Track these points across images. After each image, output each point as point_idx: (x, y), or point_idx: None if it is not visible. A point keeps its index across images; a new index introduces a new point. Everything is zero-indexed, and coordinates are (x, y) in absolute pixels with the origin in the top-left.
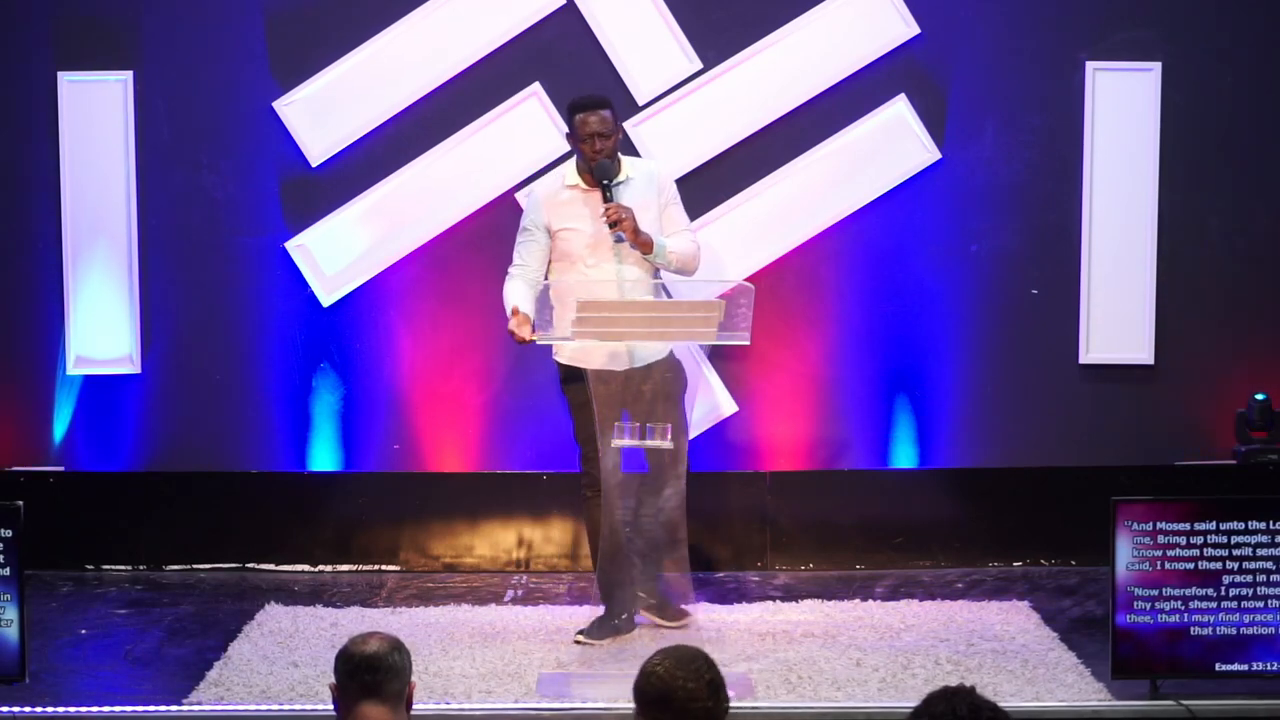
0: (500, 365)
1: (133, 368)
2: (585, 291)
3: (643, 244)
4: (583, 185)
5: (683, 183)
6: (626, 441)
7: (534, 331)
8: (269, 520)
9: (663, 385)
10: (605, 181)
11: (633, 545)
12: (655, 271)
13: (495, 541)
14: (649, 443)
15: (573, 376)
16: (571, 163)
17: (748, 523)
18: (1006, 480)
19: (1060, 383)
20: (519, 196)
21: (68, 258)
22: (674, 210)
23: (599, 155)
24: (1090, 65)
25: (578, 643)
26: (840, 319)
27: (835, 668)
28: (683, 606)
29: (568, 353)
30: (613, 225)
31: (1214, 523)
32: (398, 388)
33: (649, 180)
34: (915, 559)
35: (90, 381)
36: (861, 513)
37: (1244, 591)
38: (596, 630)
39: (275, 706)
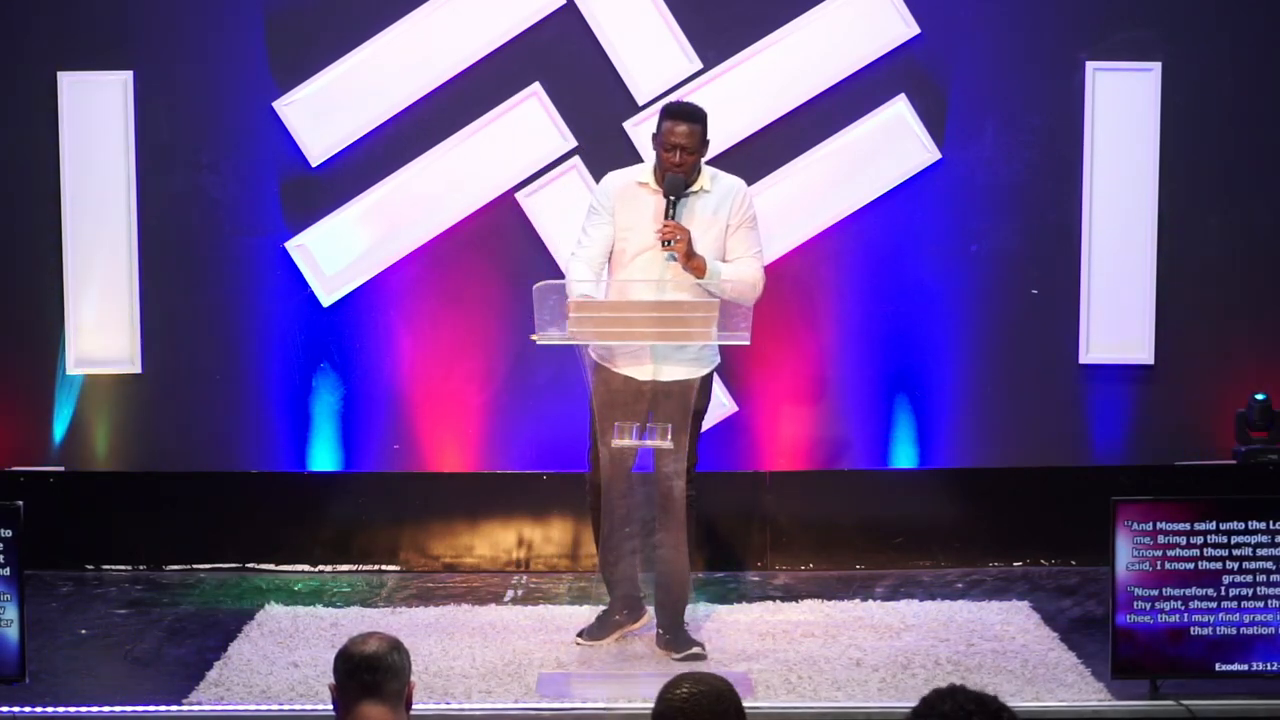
0: (500, 365)
1: (133, 368)
2: (623, 293)
3: (695, 267)
4: (652, 186)
5: None
6: (626, 441)
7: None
8: (269, 520)
9: (664, 387)
10: (671, 197)
11: (632, 544)
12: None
13: (495, 541)
14: (648, 443)
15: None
16: (650, 162)
17: (748, 523)
18: (1006, 480)
19: (1060, 383)
20: (519, 197)
21: (68, 258)
22: (744, 233)
23: (677, 168)
24: (1090, 65)
25: (578, 644)
26: (840, 319)
27: (835, 668)
28: (695, 641)
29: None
30: (665, 243)
31: (1214, 523)
32: (398, 388)
33: (725, 197)
34: (915, 559)
35: (90, 381)
36: (861, 513)
37: (1244, 591)
38: (596, 629)
39: (275, 706)
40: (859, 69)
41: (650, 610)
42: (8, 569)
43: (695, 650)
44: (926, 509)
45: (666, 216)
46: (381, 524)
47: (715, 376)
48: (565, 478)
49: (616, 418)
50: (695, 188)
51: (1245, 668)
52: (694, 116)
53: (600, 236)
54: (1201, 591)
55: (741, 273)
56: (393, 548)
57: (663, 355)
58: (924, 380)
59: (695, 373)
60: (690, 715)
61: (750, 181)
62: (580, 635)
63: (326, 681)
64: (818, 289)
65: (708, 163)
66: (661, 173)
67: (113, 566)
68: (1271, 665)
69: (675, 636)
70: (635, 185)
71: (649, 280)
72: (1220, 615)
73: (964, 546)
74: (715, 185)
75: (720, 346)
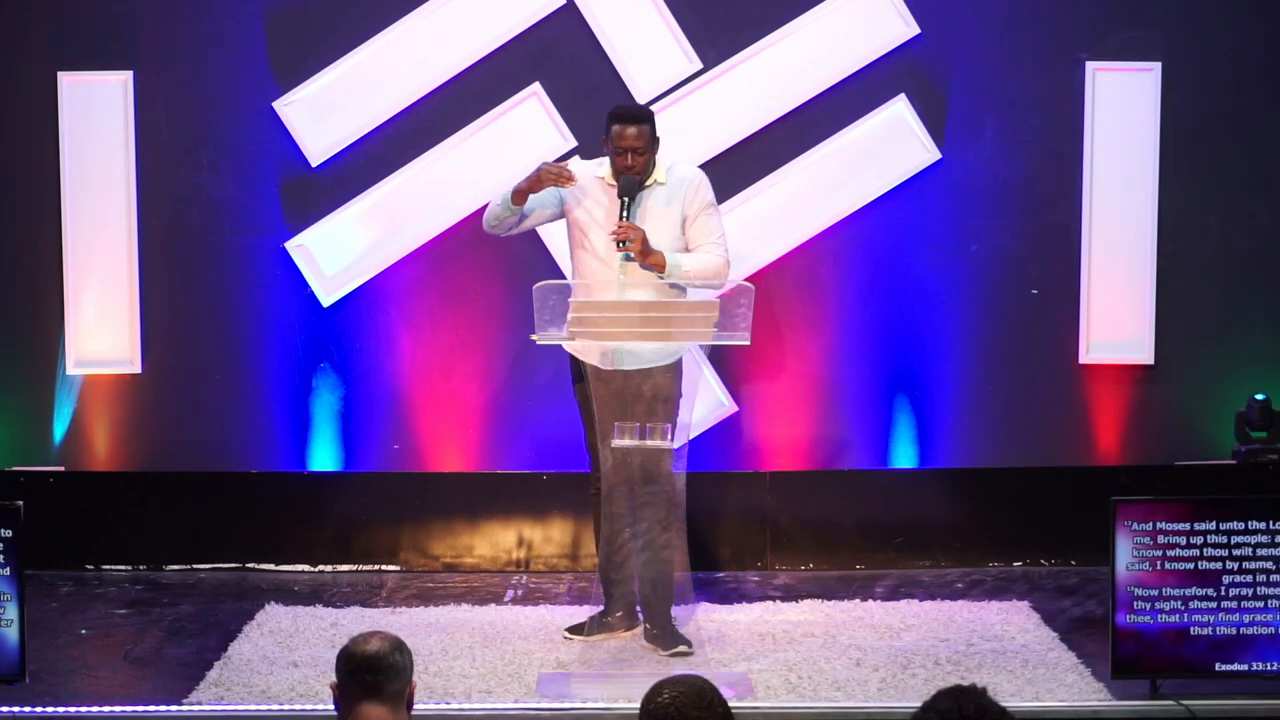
0: (500, 365)
1: (133, 368)
2: (587, 291)
3: (655, 263)
4: (609, 180)
5: None
6: (625, 442)
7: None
8: (269, 520)
9: (664, 385)
10: (625, 199)
11: (634, 545)
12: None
13: (495, 541)
14: (648, 443)
15: (581, 375)
16: (608, 159)
17: (748, 523)
18: (1006, 480)
19: (1060, 383)
20: None
21: (68, 258)
22: (704, 220)
23: (630, 169)
24: (1090, 65)
25: (567, 638)
26: (840, 319)
27: (835, 668)
28: (683, 637)
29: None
30: (620, 244)
31: (1214, 523)
32: (398, 388)
33: (679, 187)
34: (915, 559)
35: (90, 381)
36: (861, 513)
37: (1244, 591)
38: (589, 627)
39: (275, 706)
40: (859, 69)
41: (642, 620)
42: (8, 569)
43: (681, 649)
44: (926, 509)
45: (621, 218)
46: (381, 524)
47: (711, 375)
48: (565, 478)
49: (611, 415)
50: (649, 181)
51: (1245, 668)
52: (640, 117)
53: (537, 200)
54: (1201, 591)
55: (704, 262)
56: (393, 548)
57: (625, 347)
58: (924, 380)
59: (657, 358)
60: (679, 719)
61: (751, 181)
62: (570, 630)
63: (327, 681)
64: (818, 289)
65: (716, 157)
66: (616, 173)
67: (113, 566)
68: (1271, 665)
69: (663, 632)
70: (594, 179)
71: (611, 279)
72: (1220, 615)
73: (964, 546)
74: (670, 176)
75: (717, 346)
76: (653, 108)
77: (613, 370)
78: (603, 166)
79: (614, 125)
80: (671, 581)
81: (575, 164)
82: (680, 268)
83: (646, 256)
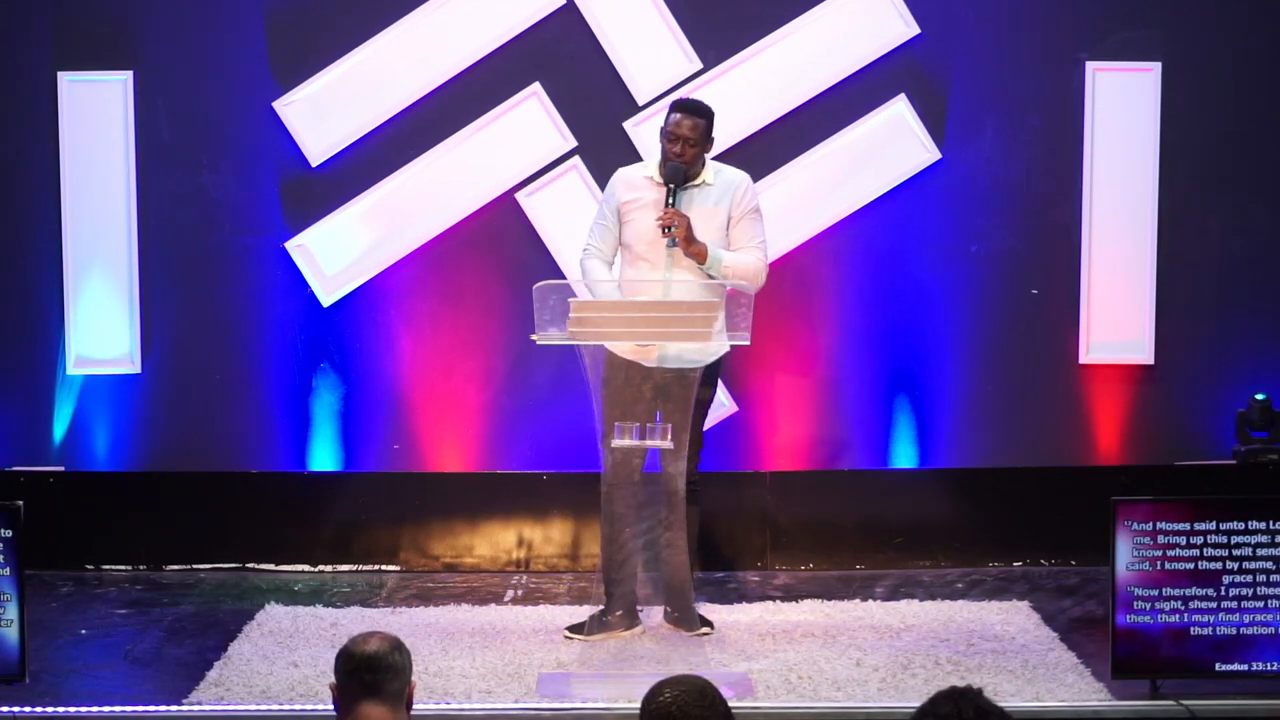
0: (500, 365)
1: (133, 368)
2: (631, 292)
3: (696, 253)
4: (657, 178)
5: None
6: (625, 442)
7: None
8: (269, 520)
9: (664, 387)
10: (671, 185)
11: (635, 545)
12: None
13: (495, 541)
14: (648, 442)
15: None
16: (657, 157)
17: (748, 523)
18: (1006, 480)
19: (1060, 383)
20: (519, 197)
21: (68, 258)
22: (747, 224)
23: (679, 158)
24: (1090, 65)
25: (567, 638)
26: (840, 319)
27: (835, 668)
28: (704, 619)
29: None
30: (665, 230)
31: (1214, 523)
32: (398, 388)
33: (727, 190)
34: (915, 559)
35: (90, 381)
36: (861, 513)
37: (1244, 591)
38: (589, 626)
39: (275, 706)
40: (859, 69)
41: (644, 621)
42: (8, 569)
43: (704, 631)
44: (926, 509)
45: (667, 205)
46: (381, 524)
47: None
48: (565, 478)
49: (623, 406)
50: (697, 180)
51: (1245, 668)
52: (697, 111)
53: (605, 240)
54: (1201, 591)
55: (743, 260)
56: (393, 548)
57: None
58: (924, 380)
59: (700, 357)
60: (680, 718)
61: (751, 181)
62: (570, 629)
63: (327, 681)
64: (818, 289)
65: (715, 158)
66: (664, 164)
67: (113, 566)
68: (1271, 665)
69: (685, 615)
70: (642, 179)
71: (657, 273)
72: (1220, 615)
73: (964, 546)
74: (718, 179)
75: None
76: (652, 108)
77: (613, 370)
78: (649, 166)
79: (671, 114)
80: (686, 567)
81: (621, 170)
82: (720, 261)
83: (690, 244)
